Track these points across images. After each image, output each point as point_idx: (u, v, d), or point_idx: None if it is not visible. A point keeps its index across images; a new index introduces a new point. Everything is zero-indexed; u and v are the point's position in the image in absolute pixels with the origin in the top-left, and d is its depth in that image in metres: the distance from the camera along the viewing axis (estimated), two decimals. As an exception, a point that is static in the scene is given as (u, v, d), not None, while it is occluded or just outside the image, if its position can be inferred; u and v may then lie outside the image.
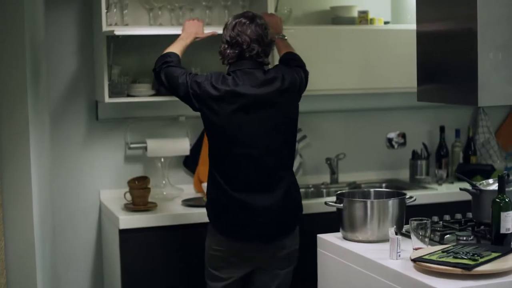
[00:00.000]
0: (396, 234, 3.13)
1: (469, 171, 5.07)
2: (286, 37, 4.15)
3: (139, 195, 4.40)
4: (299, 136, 5.09)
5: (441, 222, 3.58)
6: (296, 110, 3.87)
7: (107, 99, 4.41)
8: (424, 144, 5.25)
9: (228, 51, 3.76)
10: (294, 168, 5.02)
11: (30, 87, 3.83)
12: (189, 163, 4.90)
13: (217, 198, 3.80)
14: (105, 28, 4.33)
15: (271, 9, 4.55)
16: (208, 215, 3.86)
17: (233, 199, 3.74)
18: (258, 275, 3.87)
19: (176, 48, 3.97)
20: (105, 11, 4.34)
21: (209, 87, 3.70)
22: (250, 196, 3.74)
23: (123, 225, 4.22)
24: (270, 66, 3.92)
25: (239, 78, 3.71)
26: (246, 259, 3.82)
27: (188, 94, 3.75)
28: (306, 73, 3.94)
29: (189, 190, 4.86)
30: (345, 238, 3.47)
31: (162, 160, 4.74)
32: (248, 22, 3.74)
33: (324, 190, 5.07)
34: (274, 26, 4.03)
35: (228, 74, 3.75)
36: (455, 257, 2.92)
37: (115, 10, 4.54)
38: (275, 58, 4.32)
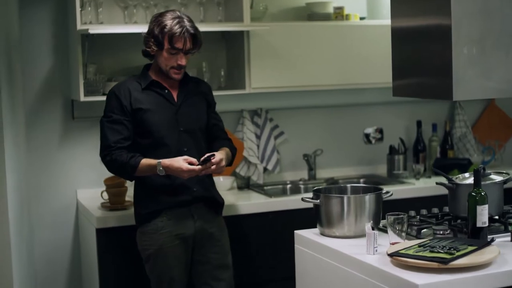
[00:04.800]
0: (373, 229, 3.13)
1: (446, 165, 5.09)
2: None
3: (116, 194, 4.39)
4: (277, 132, 5.09)
5: (418, 216, 3.59)
6: None
7: (83, 98, 4.39)
8: (401, 139, 5.26)
9: None
10: (272, 165, 5.05)
11: (5, 86, 3.80)
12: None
13: None
14: (79, 26, 4.31)
15: (246, 6, 4.55)
16: None
17: None
18: None
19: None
20: (80, 9, 4.32)
21: None
22: None
23: (100, 224, 4.20)
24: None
25: None
26: None
27: None
28: None
29: (166, 188, 4.83)
30: (322, 234, 3.46)
31: (139, 158, 4.71)
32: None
33: (302, 186, 5.07)
34: None
35: None
36: (431, 251, 2.93)
37: (89, 8, 4.52)
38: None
